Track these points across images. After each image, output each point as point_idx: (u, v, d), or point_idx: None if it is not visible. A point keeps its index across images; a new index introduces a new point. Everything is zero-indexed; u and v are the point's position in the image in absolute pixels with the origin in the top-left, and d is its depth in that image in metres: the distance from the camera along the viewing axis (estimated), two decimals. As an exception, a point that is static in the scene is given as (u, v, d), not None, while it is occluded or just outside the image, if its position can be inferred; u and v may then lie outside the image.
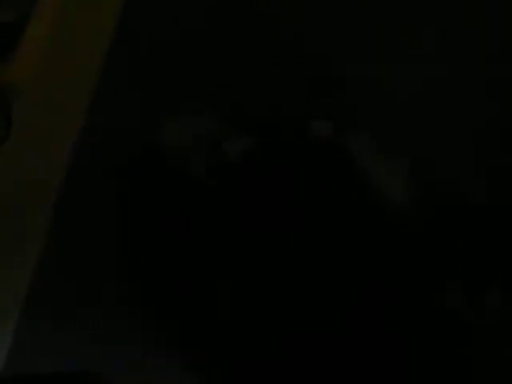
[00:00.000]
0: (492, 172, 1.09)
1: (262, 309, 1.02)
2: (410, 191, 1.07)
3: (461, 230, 1.06)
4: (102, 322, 1.06)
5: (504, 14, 1.13)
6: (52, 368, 1.02)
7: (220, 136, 1.09)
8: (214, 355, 1.02)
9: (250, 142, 1.08)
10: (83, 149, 1.13)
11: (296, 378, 1.00)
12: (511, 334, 1.02)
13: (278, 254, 1.04)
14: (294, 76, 1.13)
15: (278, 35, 1.14)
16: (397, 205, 1.06)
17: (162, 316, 1.05)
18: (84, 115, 1.13)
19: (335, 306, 1.01)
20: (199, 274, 1.04)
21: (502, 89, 1.10)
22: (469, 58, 1.12)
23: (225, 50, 1.14)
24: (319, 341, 1.00)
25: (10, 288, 1.08)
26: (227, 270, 1.04)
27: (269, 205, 1.06)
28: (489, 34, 1.12)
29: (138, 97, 1.14)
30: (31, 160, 1.10)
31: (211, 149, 1.08)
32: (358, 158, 1.07)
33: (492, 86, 1.11)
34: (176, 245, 1.06)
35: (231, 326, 1.02)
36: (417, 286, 1.03)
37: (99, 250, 1.09)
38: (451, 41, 1.13)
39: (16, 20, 1.03)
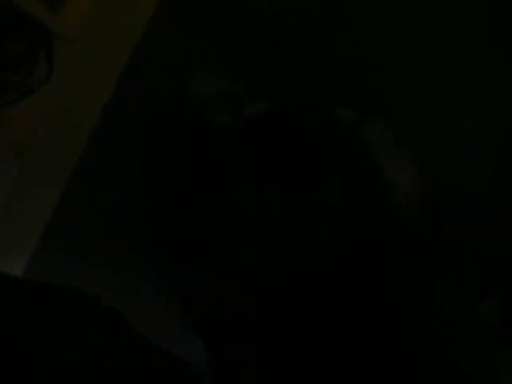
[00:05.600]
0: (502, 180, 1.12)
1: (270, 255, 1.06)
2: (418, 187, 1.09)
3: (464, 233, 1.09)
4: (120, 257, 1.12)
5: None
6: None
7: (243, 96, 1.14)
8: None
9: (270, 106, 1.13)
10: (121, 94, 1.19)
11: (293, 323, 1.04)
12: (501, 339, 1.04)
13: (285, 207, 1.07)
14: (324, 58, 1.16)
15: (315, 19, 1.17)
16: (403, 198, 1.08)
17: (177, 258, 1.10)
18: (125, 65, 1.19)
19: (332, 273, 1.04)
20: (215, 218, 1.09)
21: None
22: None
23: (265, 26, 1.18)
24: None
25: (33, 214, 1.14)
26: (241, 216, 1.08)
27: (282, 163, 1.09)
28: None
29: (176, 53, 1.18)
30: (69, 100, 1.15)
31: (234, 104, 1.13)
32: (373, 146, 1.10)
33: None
34: (197, 187, 1.11)
35: (241, 267, 1.06)
36: (410, 283, 1.06)
37: (124, 190, 1.15)
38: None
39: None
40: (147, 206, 1.13)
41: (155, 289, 1.11)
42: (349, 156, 1.09)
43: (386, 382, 1.03)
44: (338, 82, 1.15)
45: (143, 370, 0.56)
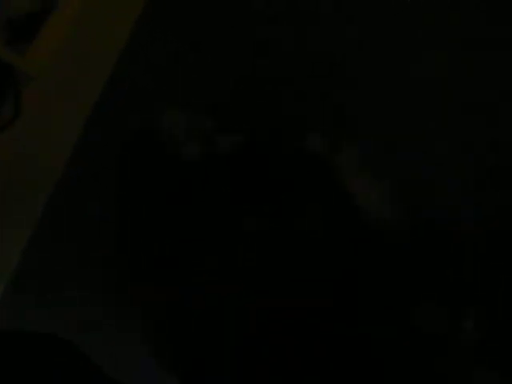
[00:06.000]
0: (479, 200, 1.12)
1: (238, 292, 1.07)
2: (391, 210, 1.11)
3: (442, 253, 1.10)
4: (88, 304, 1.13)
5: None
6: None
7: (213, 130, 1.16)
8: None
9: (239, 139, 1.14)
10: (90, 132, 1.20)
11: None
12: (480, 355, 1.05)
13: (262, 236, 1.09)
14: (294, 86, 1.16)
15: (281, 51, 1.18)
16: (376, 221, 1.09)
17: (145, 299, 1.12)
18: (92, 105, 1.20)
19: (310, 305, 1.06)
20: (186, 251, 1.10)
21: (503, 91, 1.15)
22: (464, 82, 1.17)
23: (232, 60, 1.20)
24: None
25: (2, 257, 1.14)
26: (213, 246, 1.09)
27: (252, 193, 1.11)
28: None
29: (145, 90, 1.19)
30: (38, 139, 1.16)
31: (203, 138, 1.15)
32: (344, 172, 1.11)
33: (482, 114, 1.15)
34: (167, 221, 1.12)
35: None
36: (391, 299, 1.07)
37: (95, 226, 1.15)
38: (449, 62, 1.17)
39: (40, 10, 1.05)
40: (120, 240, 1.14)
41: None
42: (320, 184, 1.11)
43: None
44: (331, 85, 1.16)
45: None
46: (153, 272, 1.11)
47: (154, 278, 1.11)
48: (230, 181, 1.11)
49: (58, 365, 0.60)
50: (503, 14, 1.15)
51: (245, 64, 1.17)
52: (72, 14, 1.08)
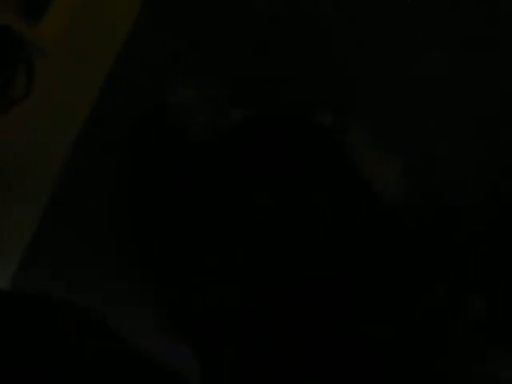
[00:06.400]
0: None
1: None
2: (401, 189, 1.10)
3: (451, 233, 1.09)
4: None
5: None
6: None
7: (224, 104, 1.15)
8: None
9: (250, 113, 1.14)
10: (100, 105, 1.20)
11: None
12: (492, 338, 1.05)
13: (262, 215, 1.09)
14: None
15: (292, 27, 1.18)
16: (386, 200, 1.09)
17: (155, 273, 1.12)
18: (104, 77, 1.20)
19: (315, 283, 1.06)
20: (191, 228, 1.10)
21: (503, 91, 1.14)
22: (472, 61, 1.16)
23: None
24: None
25: (16, 232, 1.14)
26: (220, 223, 1.09)
27: (259, 170, 1.11)
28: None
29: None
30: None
31: (214, 113, 1.14)
32: (353, 150, 1.11)
33: (492, 88, 1.15)
34: (173, 199, 1.12)
35: (221, 276, 1.07)
36: (401, 282, 1.07)
37: (102, 205, 1.15)
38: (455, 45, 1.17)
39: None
40: (135, 214, 1.14)
41: (143, 298, 1.12)
42: (333, 163, 1.11)
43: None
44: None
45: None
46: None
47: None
48: (237, 163, 1.10)
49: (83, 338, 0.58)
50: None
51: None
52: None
